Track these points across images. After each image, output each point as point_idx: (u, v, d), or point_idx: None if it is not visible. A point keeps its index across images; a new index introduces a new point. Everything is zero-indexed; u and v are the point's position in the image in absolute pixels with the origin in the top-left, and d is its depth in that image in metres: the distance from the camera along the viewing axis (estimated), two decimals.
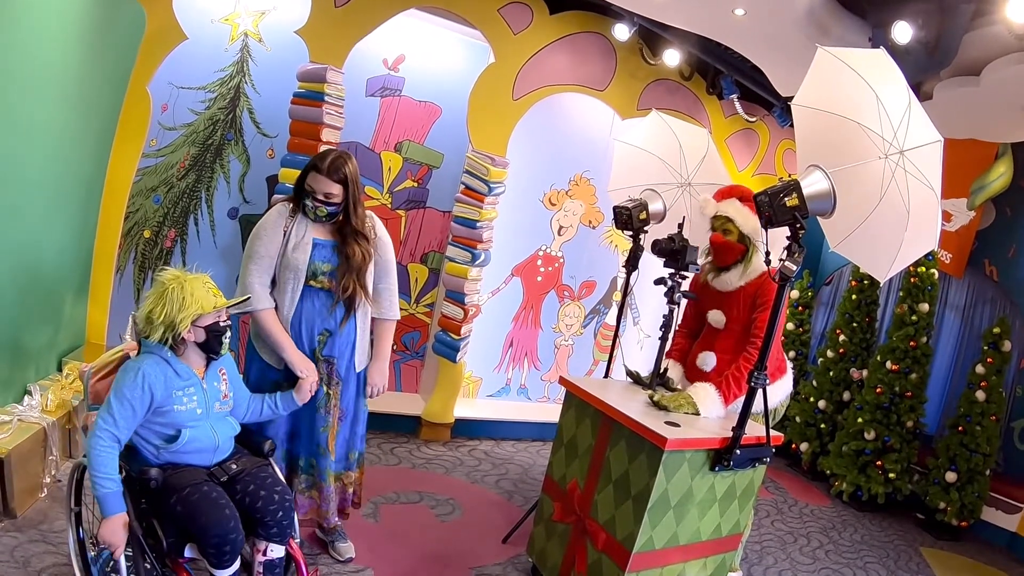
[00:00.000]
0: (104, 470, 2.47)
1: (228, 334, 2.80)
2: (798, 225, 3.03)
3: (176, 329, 2.63)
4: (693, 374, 4.08)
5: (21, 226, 3.59)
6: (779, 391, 3.95)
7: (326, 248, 3.31)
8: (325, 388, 3.41)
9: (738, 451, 3.20)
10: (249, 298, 3.18)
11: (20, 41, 3.24)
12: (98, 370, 2.81)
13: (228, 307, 2.78)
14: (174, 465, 2.70)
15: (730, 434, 3.21)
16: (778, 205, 3.02)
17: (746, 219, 3.76)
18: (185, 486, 2.61)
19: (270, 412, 3.18)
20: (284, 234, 3.26)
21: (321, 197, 3.22)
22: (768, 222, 3.07)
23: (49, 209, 3.89)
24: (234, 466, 2.82)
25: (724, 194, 3.89)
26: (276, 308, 3.31)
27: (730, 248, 3.79)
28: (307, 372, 3.23)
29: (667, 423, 3.19)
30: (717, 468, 3.23)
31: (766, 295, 3.70)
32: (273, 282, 3.33)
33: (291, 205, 3.32)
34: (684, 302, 3.92)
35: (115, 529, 2.45)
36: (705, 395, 3.58)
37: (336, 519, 3.69)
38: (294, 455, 3.55)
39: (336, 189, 3.22)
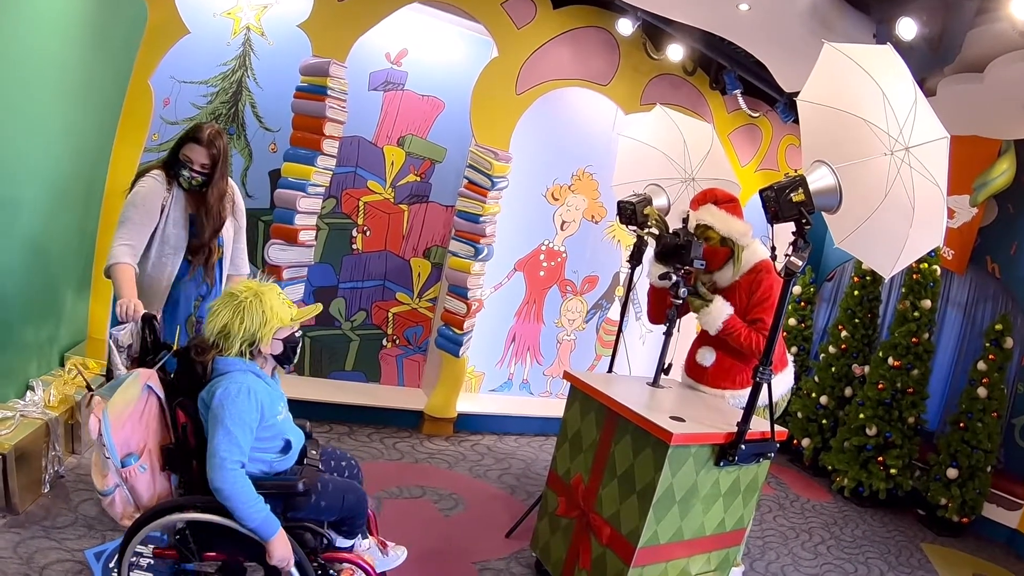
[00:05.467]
0: (253, 497, 2.39)
1: (299, 344, 2.80)
2: (804, 221, 3.04)
3: (257, 345, 2.58)
4: (692, 370, 4.10)
5: (23, 220, 3.59)
6: (780, 385, 3.96)
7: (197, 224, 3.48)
8: None
9: (743, 446, 3.21)
10: (320, 306, 3.18)
11: (22, 35, 3.24)
12: (117, 414, 2.35)
13: (305, 317, 2.77)
14: (284, 472, 2.69)
15: (735, 429, 3.21)
16: (784, 200, 3.02)
17: (723, 222, 3.81)
18: (315, 482, 2.66)
19: None
20: (162, 208, 3.35)
21: (197, 167, 3.36)
22: (774, 217, 3.07)
23: (51, 203, 3.89)
24: (314, 452, 2.86)
25: (698, 201, 3.94)
26: (149, 275, 3.37)
27: (714, 252, 3.82)
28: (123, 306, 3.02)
29: (672, 418, 3.19)
30: (722, 463, 3.24)
31: (762, 288, 3.76)
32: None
33: (165, 177, 3.40)
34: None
35: (286, 543, 2.44)
36: (719, 310, 3.75)
37: None
38: None
39: (209, 160, 3.37)
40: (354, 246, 5.89)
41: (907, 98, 2.88)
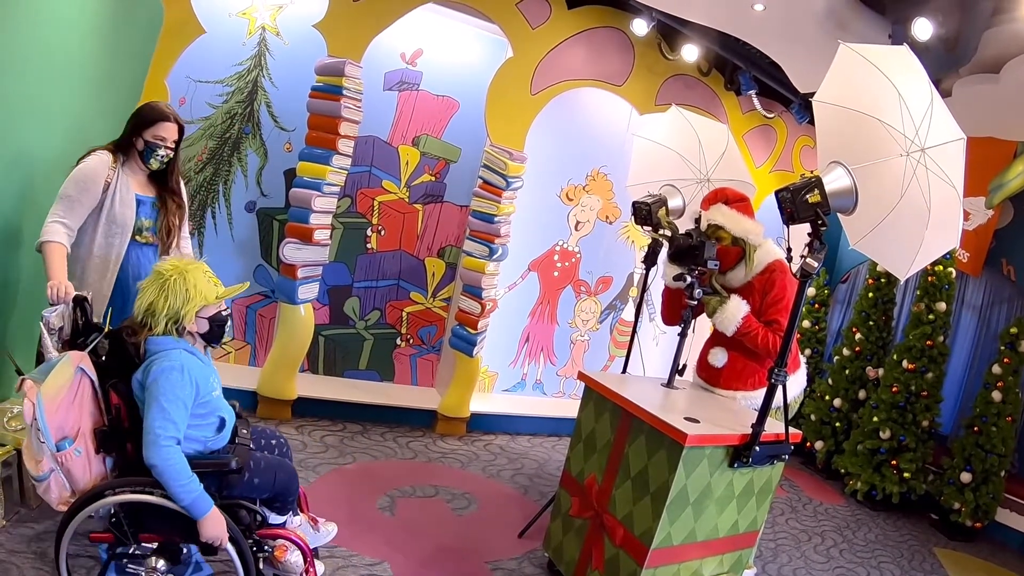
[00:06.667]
0: (187, 475, 2.40)
1: (229, 322, 2.80)
2: (820, 222, 3.03)
3: (181, 322, 2.60)
4: (704, 371, 4.10)
5: (37, 220, 3.60)
6: (793, 386, 3.96)
7: (147, 204, 3.38)
8: None
9: (757, 448, 3.20)
10: (248, 284, 3.14)
11: (39, 34, 3.26)
12: (51, 398, 2.35)
13: (231, 296, 2.78)
14: (219, 450, 2.71)
15: (749, 431, 3.21)
16: (800, 201, 3.02)
17: (734, 222, 3.81)
18: (247, 460, 2.70)
19: None
20: (107, 185, 3.22)
21: (170, 144, 3.33)
22: (790, 219, 3.07)
23: None
24: (244, 431, 2.88)
25: (709, 201, 3.93)
26: (96, 255, 3.27)
27: (726, 252, 3.82)
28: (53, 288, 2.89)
29: (687, 419, 3.18)
30: (736, 464, 3.23)
31: (776, 288, 3.76)
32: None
33: (112, 156, 3.27)
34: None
35: (219, 521, 2.46)
36: (736, 308, 3.73)
37: None
38: None
39: (178, 134, 3.37)
40: (369, 245, 5.90)
41: (923, 99, 2.87)
